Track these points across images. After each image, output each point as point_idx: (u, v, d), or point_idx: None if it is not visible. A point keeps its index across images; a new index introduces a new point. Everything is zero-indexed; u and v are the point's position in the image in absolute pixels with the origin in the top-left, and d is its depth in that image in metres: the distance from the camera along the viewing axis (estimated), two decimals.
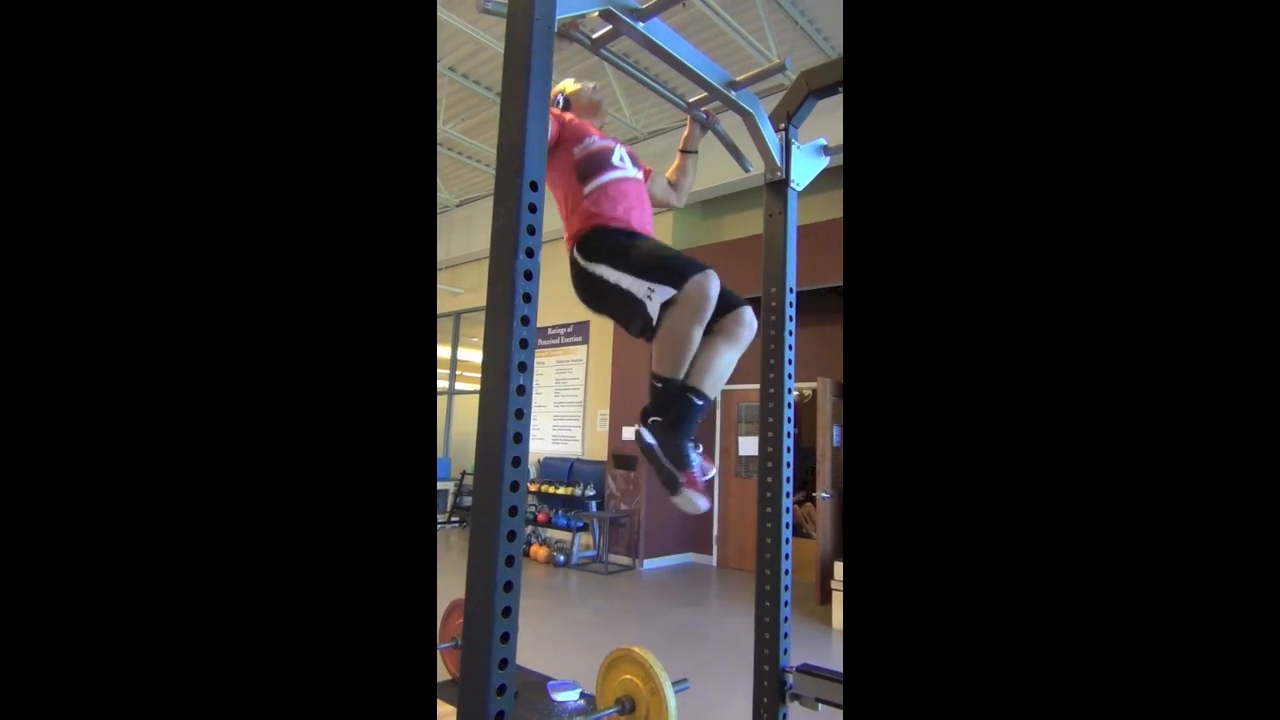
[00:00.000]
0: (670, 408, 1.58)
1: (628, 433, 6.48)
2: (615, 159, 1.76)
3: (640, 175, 1.83)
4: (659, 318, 1.54)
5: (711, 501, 1.54)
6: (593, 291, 1.66)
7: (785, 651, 1.60)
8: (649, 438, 1.58)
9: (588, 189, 1.69)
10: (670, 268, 1.52)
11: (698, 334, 1.53)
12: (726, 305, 1.57)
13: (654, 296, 1.52)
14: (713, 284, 1.49)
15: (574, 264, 1.69)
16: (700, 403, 1.59)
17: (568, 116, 1.78)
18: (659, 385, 1.59)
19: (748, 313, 1.63)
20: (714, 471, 1.61)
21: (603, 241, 1.64)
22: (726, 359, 1.62)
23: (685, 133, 2.00)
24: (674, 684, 1.73)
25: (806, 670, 1.56)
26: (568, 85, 1.94)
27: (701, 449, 1.61)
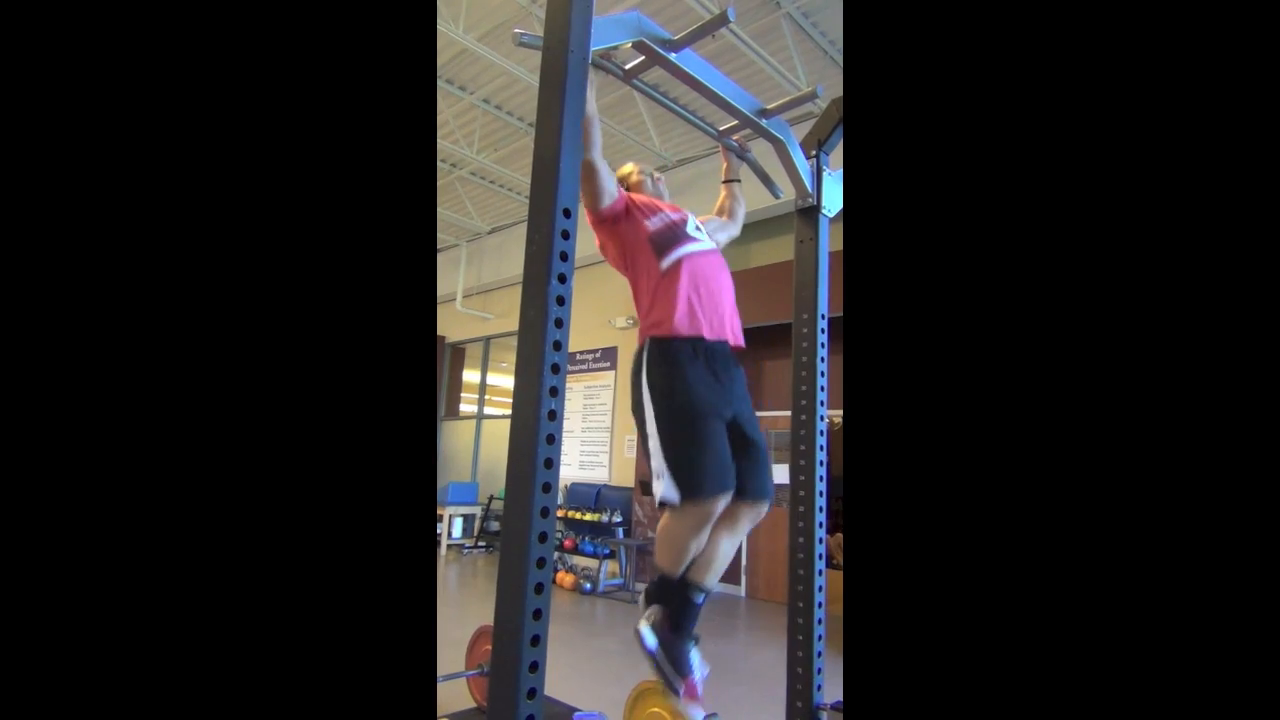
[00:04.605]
0: (671, 601, 1.61)
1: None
2: (690, 229, 1.73)
3: (715, 246, 1.79)
4: (661, 511, 1.54)
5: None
6: (637, 410, 1.64)
7: (819, 688, 1.56)
8: (649, 643, 1.60)
9: (665, 264, 1.64)
10: (687, 470, 1.48)
11: (696, 546, 1.55)
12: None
13: (662, 479, 1.52)
14: (715, 510, 1.48)
15: (638, 365, 1.64)
16: (700, 599, 1.61)
17: (635, 195, 1.77)
18: (659, 577, 1.62)
19: (761, 505, 1.65)
20: (708, 671, 1.65)
21: (668, 368, 1.57)
22: (725, 551, 1.64)
23: (724, 165, 2.00)
24: (703, 718, 1.69)
25: (840, 708, 1.50)
26: (631, 173, 1.91)
27: (698, 645, 1.64)
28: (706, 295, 1.63)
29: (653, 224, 1.69)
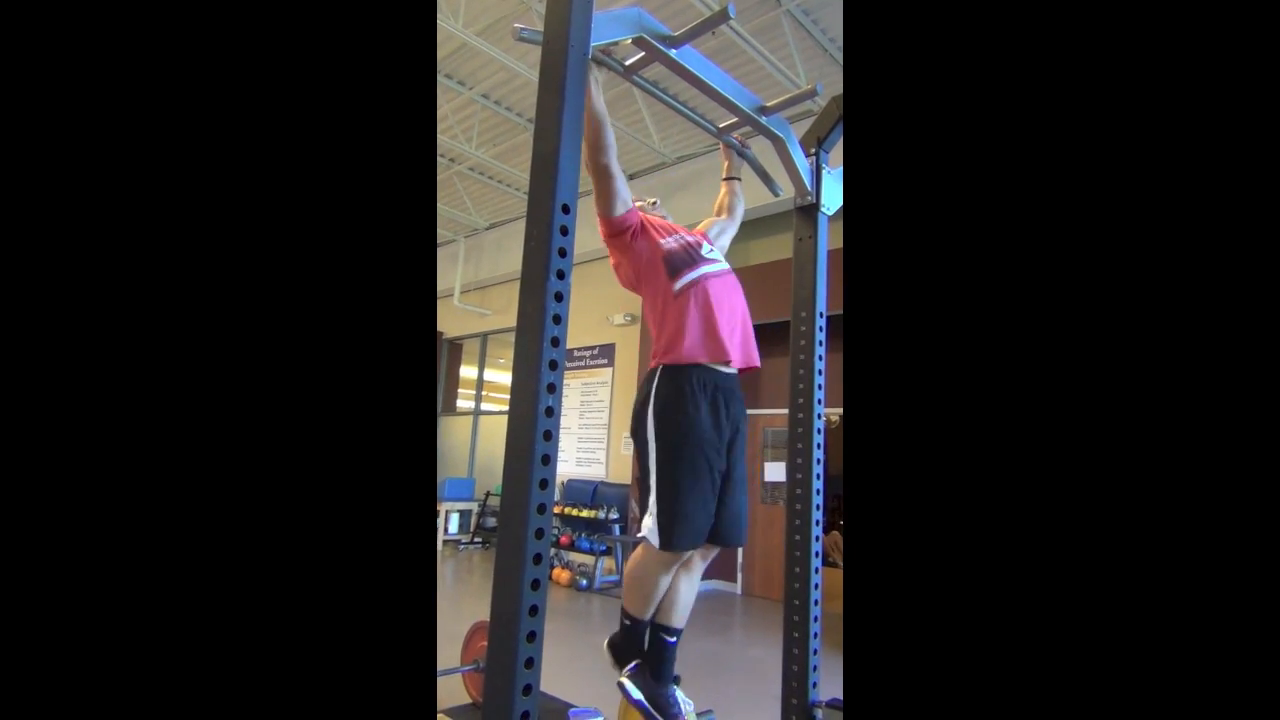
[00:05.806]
0: (646, 650, 1.64)
1: None
2: (706, 251, 1.75)
3: (728, 266, 1.80)
4: (636, 540, 1.60)
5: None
6: (639, 440, 1.65)
7: (814, 685, 1.56)
8: (635, 694, 1.62)
9: (678, 285, 1.65)
10: (677, 523, 1.53)
11: (664, 583, 1.60)
12: None
13: (651, 518, 1.57)
14: (684, 557, 1.57)
15: (645, 394, 1.64)
16: (673, 641, 1.65)
17: (647, 216, 1.78)
18: (628, 623, 1.65)
19: (715, 550, 1.70)
20: (692, 706, 1.68)
21: (676, 407, 1.58)
22: (686, 592, 1.68)
23: (726, 162, 2.01)
24: (699, 715, 1.69)
25: (836, 705, 1.51)
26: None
27: (679, 684, 1.68)
28: (723, 319, 1.65)
29: (668, 244, 1.69)
